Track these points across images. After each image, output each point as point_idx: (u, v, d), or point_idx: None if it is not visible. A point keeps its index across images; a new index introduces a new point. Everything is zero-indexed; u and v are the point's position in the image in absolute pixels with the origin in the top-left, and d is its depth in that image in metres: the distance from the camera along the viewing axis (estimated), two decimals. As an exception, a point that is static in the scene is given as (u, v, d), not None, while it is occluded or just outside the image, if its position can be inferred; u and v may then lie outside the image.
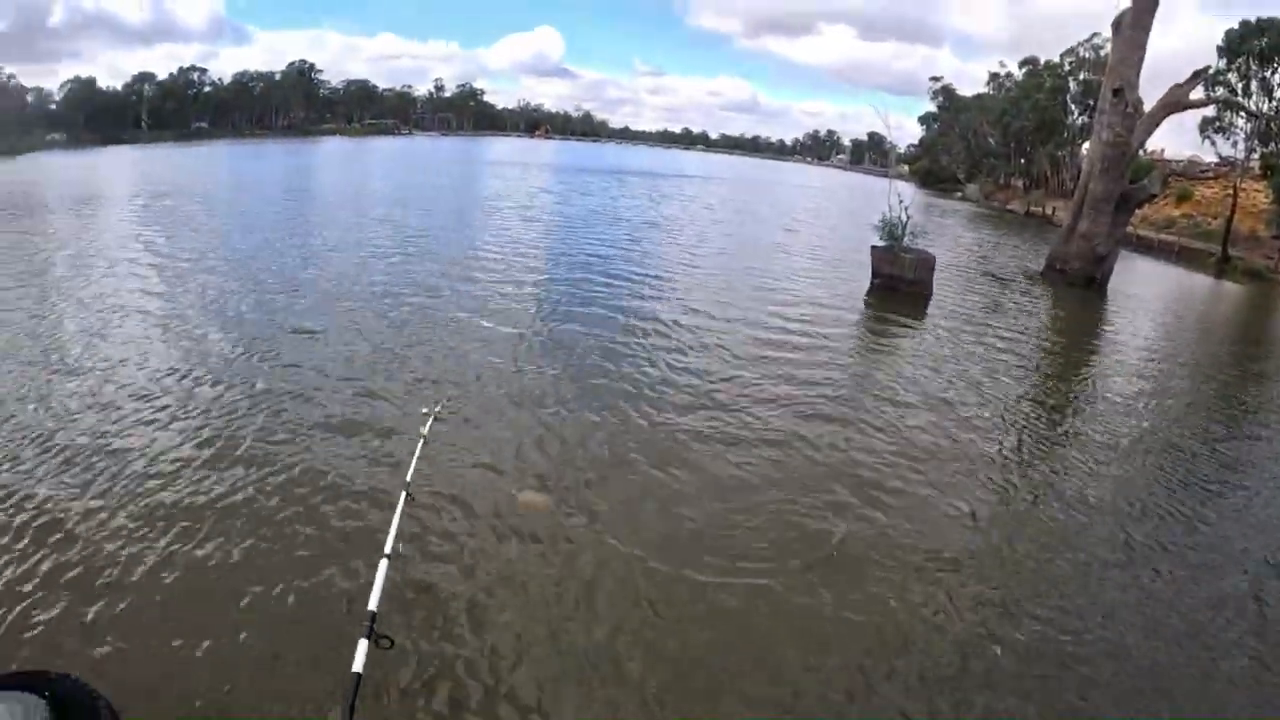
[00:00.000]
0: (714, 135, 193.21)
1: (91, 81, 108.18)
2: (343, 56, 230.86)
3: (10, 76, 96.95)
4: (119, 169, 55.20)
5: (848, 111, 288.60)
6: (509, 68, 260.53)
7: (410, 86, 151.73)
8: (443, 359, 11.90)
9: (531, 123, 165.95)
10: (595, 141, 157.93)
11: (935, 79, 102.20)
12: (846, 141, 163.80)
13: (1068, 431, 11.34)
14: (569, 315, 15.01)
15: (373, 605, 3.16)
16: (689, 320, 15.25)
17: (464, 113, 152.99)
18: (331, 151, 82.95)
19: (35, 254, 19.21)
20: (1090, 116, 46.18)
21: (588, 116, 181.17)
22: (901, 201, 20.28)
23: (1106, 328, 19.71)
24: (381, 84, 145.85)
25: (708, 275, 20.88)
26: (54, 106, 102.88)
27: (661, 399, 10.56)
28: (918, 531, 7.43)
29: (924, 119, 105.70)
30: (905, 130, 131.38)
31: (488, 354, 12.01)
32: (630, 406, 10.14)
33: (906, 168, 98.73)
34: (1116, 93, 24.60)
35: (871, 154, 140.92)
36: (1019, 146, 76.61)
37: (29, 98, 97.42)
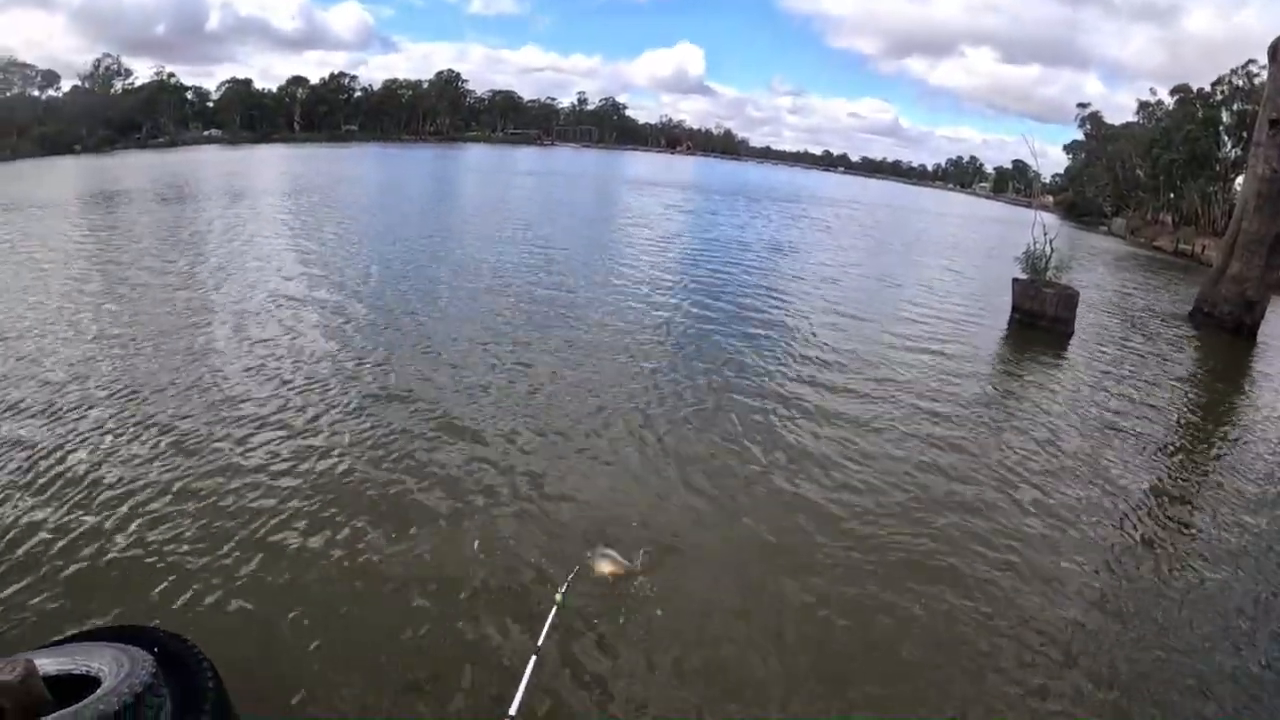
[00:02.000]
0: (854, 158, 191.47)
1: (248, 83, 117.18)
2: (486, 67, 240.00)
3: (171, 75, 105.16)
4: (281, 164, 59.33)
5: (990, 138, 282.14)
6: (650, 83, 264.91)
7: (554, 98, 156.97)
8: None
9: (672, 138, 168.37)
10: (735, 160, 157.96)
11: (1082, 105, 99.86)
12: (989, 169, 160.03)
13: (1212, 483, 11.19)
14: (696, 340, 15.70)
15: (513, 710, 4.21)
16: (817, 353, 15.70)
17: (605, 126, 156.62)
18: (476, 159, 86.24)
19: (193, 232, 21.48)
20: (1245, 149, 44.32)
21: (728, 135, 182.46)
22: (1046, 234, 20.33)
23: (1256, 377, 19.03)
24: (524, 95, 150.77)
25: (844, 295, 21.28)
26: (210, 105, 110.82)
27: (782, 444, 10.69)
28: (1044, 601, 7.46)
29: (1070, 148, 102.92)
30: (1049, 159, 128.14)
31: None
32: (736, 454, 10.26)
33: (1051, 198, 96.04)
34: (1274, 124, 23.48)
35: (1015, 182, 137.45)
36: (1168, 180, 73.02)
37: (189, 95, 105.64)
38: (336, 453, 9.46)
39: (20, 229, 27.58)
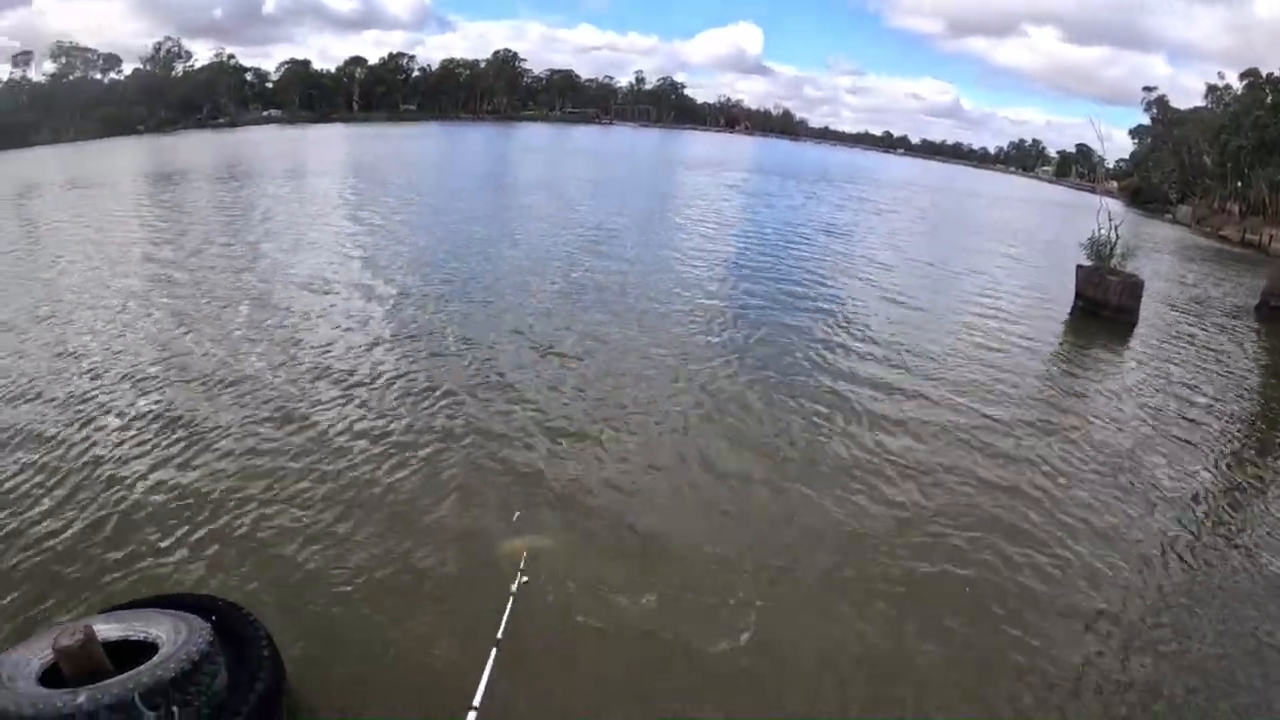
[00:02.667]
0: (914, 139, 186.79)
1: (306, 64, 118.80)
2: (543, 46, 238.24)
3: (230, 56, 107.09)
4: (342, 142, 60.53)
5: (1054, 120, 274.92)
6: (708, 62, 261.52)
7: (611, 78, 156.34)
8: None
9: (730, 118, 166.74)
10: (794, 141, 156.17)
11: (1149, 89, 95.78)
12: (1052, 152, 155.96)
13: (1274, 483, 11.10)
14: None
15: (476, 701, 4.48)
16: (876, 335, 15.86)
17: (663, 105, 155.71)
18: (534, 138, 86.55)
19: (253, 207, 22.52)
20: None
21: (787, 115, 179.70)
22: (1111, 220, 20.19)
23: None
24: (581, 74, 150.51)
25: (899, 281, 21.28)
26: (269, 85, 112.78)
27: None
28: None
29: (1135, 132, 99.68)
30: (1114, 143, 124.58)
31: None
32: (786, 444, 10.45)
33: (1115, 184, 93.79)
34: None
35: (1078, 167, 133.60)
36: (1236, 167, 70.30)
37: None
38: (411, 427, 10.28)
39: (88, 206, 28.68)
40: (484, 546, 7.46)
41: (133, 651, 4.96)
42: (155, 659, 4.63)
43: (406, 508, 8.14)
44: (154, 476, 8.64)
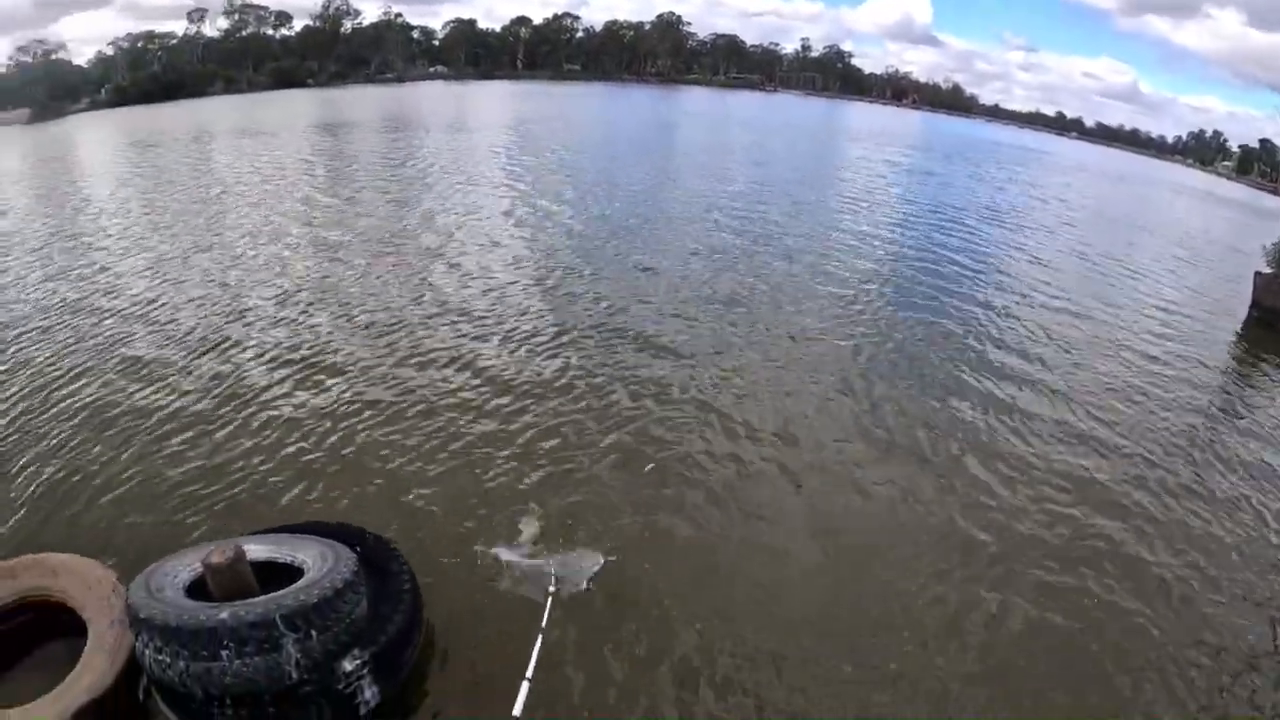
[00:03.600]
0: (1089, 122, 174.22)
1: (472, 23, 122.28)
2: (706, 10, 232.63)
3: (398, 15, 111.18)
4: (508, 99, 62.22)
5: (1237, 110, 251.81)
6: (875, 31, 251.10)
7: (776, 44, 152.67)
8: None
9: (898, 90, 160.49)
10: (963, 117, 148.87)
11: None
12: (1234, 146, 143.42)
13: None
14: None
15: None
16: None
17: (829, 74, 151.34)
18: (697, 102, 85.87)
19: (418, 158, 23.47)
20: None
21: (956, 89, 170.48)
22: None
23: None
24: (746, 39, 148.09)
25: (1055, 278, 19.80)
26: (436, 43, 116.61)
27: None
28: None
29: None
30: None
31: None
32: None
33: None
34: None
35: (1261, 164, 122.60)
36: None
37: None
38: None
39: (256, 150, 30.42)
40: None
41: (278, 574, 5.19)
42: (300, 583, 4.78)
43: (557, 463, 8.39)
44: (303, 408, 9.44)
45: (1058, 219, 31.95)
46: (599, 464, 8.37)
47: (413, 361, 10.92)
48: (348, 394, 9.85)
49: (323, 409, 9.41)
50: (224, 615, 4.37)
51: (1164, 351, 14.78)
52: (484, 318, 12.79)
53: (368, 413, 9.34)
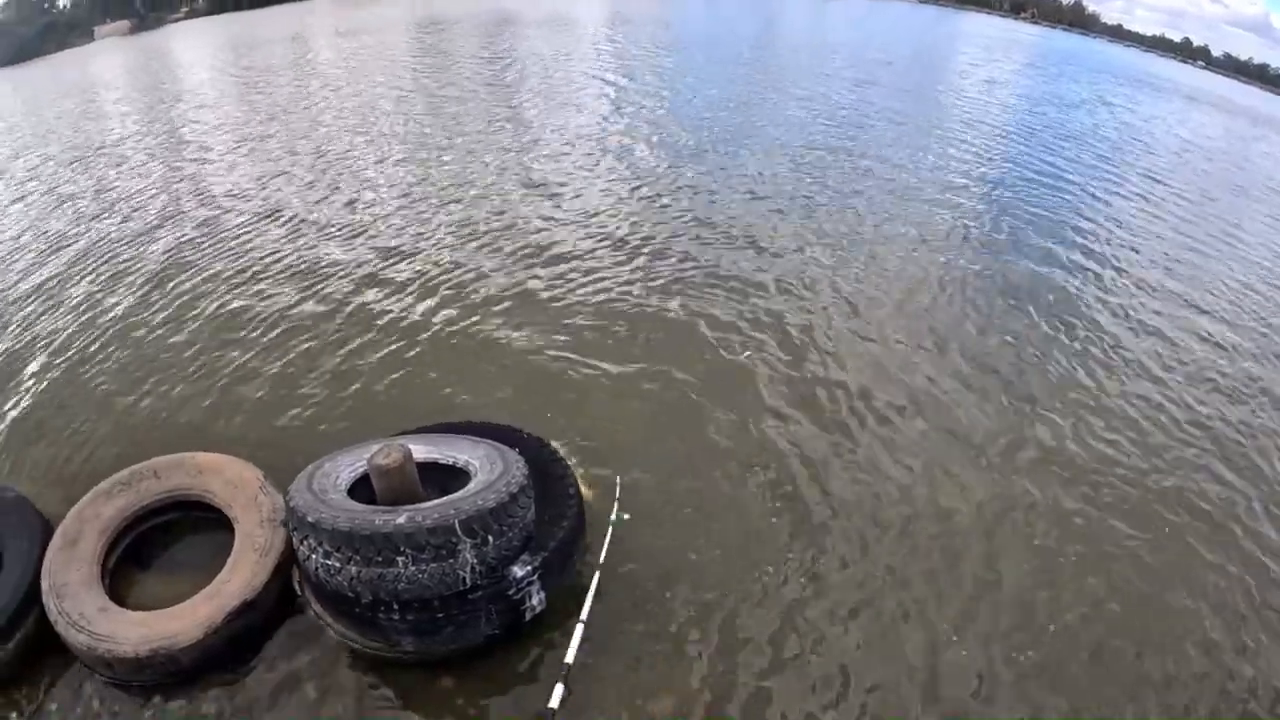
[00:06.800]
0: (1215, 53, 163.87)
1: None
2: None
3: None
4: None
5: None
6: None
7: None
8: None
9: (1016, 3, 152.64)
10: (1083, 34, 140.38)
11: None
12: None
13: None
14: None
15: (569, 659, 4.16)
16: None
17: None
18: (794, 10, 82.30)
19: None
20: None
21: (1078, 5, 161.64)
22: None
23: None
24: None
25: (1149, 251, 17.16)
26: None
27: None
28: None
29: None
30: None
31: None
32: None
33: None
34: None
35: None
36: None
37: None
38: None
39: (353, 50, 30.46)
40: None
41: (440, 475, 5.01)
42: (474, 486, 4.57)
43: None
44: (438, 316, 9.18)
45: (1182, 157, 28.62)
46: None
47: (545, 263, 10.68)
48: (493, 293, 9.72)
49: (463, 311, 9.25)
50: (401, 520, 4.14)
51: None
52: (606, 225, 12.23)
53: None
